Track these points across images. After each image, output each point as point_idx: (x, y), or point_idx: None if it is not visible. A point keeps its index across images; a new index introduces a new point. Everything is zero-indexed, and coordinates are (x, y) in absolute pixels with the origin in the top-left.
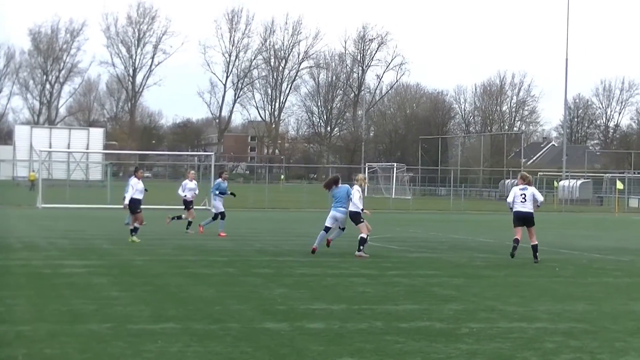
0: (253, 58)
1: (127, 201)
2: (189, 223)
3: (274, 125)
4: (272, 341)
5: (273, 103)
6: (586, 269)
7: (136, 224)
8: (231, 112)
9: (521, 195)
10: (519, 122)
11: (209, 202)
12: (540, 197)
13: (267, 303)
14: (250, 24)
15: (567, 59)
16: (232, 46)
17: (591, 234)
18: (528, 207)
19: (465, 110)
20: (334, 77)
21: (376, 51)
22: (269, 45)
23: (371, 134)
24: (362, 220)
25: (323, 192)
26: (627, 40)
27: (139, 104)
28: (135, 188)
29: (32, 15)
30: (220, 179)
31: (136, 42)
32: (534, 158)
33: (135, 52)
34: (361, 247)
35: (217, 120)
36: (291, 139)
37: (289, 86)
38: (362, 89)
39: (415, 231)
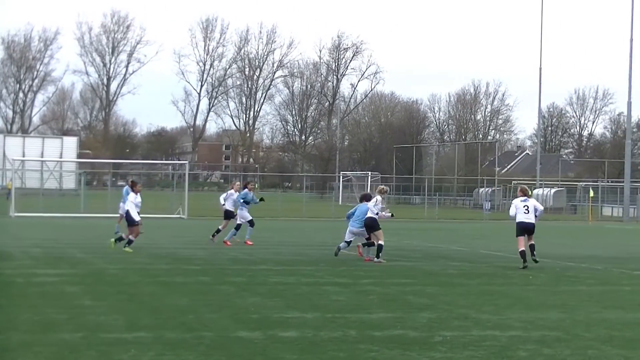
0: (227, 67)
1: (122, 211)
2: (217, 231)
3: (248, 134)
4: (246, 350)
5: (247, 112)
6: (559, 277)
7: (131, 237)
8: (205, 120)
9: (524, 207)
10: (493, 131)
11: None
12: (540, 207)
13: (240, 312)
14: (225, 33)
15: (541, 68)
16: (207, 55)
17: (565, 242)
18: (531, 218)
19: (439, 119)
20: (308, 86)
21: (351, 60)
22: (244, 54)
23: (346, 143)
24: (379, 227)
25: (298, 201)
26: (600, 49)
27: (113, 113)
28: (133, 203)
29: (5, 23)
30: (246, 189)
31: (110, 50)
32: (508, 167)
33: (110, 61)
34: (379, 254)
35: (192, 129)
36: (266, 148)
37: (264, 95)
38: (337, 97)
39: (390, 239)
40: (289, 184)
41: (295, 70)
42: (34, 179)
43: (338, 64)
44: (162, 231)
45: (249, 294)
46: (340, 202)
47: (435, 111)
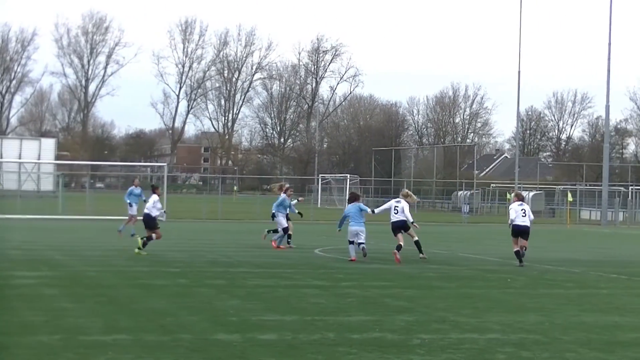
0: (206, 69)
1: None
2: (289, 236)
3: (227, 137)
4: (224, 353)
5: (226, 114)
6: (538, 281)
7: (153, 235)
8: (184, 123)
9: (521, 210)
10: (472, 134)
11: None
12: (531, 214)
13: (219, 314)
14: (204, 35)
15: (519, 72)
16: (186, 57)
17: (543, 246)
18: (526, 222)
19: (418, 122)
20: (287, 89)
21: (330, 63)
22: (223, 56)
23: (324, 146)
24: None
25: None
26: (579, 53)
27: (91, 115)
28: (154, 206)
29: None
30: (284, 195)
31: (89, 52)
32: (487, 170)
33: (88, 63)
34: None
35: (170, 131)
36: (244, 150)
37: (242, 97)
38: (316, 100)
39: (368, 242)
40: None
41: (274, 73)
42: (11, 181)
43: (317, 67)
44: (140, 233)
45: (228, 297)
46: (319, 205)
47: (414, 114)
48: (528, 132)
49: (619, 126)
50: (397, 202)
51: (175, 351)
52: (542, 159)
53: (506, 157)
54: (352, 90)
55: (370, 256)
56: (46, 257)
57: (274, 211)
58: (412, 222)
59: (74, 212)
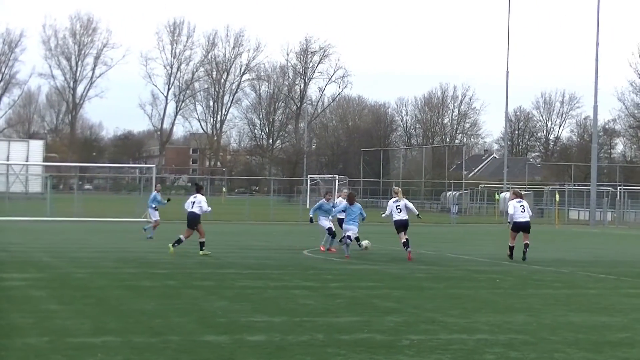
0: (195, 70)
1: (155, 217)
2: (333, 236)
3: (215, 138)
4: (213, 354)
5: (215, 115)
6: (526, 281)
7: (202, 239)
8: (173, 124)
9: (520, 207)
10: (460, 135)
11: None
12: (529, 210)
13: (207, 316)
14: (192, 36)
15: (507, 72)
16: (174, 58)
17: (532, 246)
18: (526, 217)
19: (407, 122)
20: (276, 90)
21: (318, 64)
22: (211, 57)
23: (313, 147)
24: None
25: (266, 205)
26: (567, 53)
27: (79, 116)
28: (200, 206)
29: None
30: (323, 200)
31: (77, 53)
32: (476, 170)
33: (76, 64)
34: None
35: (159, 133)
36: (233, 152)
37: (231, 98)
38: (304, 101)
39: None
40: (257, 188)
41: (262, 74)
42: None
43: (305, 68)
44: (129, 235)
45: (217, 298)
46: (307, 206)
47: (403, 115)
48: (516, 132)
49: (607, 126)
50: (396, 201)
51: (163, 353)
52: (531, 160)
53: (495, 157)
54: (340, 91)
55: (358, 256)
56: (34, 259)
57: (311, 215)
58: (418, 215)
59: (62, 213)
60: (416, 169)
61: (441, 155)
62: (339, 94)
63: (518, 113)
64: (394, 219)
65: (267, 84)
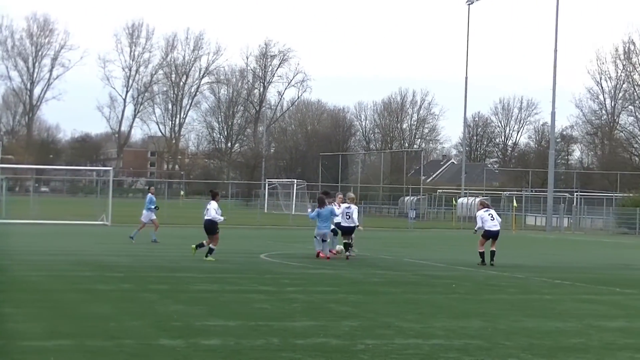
0: (154, 73)
1: (145, 219)
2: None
3: (174, 141)
4: (167, 358)
5: (173, 118)
6: (482, 286)
7: (212, 245)
8: (131, 127)
9: (489, 215)
10: (419, 140)
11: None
12: (498, 217)
13: (162, 319)
14: (151, 39)
15: (466, 77)
16: (133, 61)
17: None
18: (497, 225)
19: (365, 127)
20: (234, 93)
21: (277, 67)
22: (170, 60)
23: (272, 151)
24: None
25: (223, 208)
26: (525, 59)
27: (36, 118)
28: (216, 212)
29: None
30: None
31: (34, 55)
32: (434, 175)
33: (33, 65)
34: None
35: (117, 135)
36: (191, 155)
37: (190, 101)
38: (263, 105)
39: (315, 247)
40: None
41: (221, 77)
42: None
43: (265, 72)
44: (85, 238)
45: (172, 302)
46: (265, 210)
47: (362, 119)
48: (475, 138)
49: (564, 133)
50: (348, 207)
51: (117, 356)
52: (489, 165)
53: (453, 162)
54: (300, 95)
55: (315, 261)
56: None
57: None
58: (358, 226)
59: (18, 216)
60: (374, 174)
61: (400, 160)
62: (298, 98)
63: (477, 119)
64: (341, 224)
65: (226, 87)
